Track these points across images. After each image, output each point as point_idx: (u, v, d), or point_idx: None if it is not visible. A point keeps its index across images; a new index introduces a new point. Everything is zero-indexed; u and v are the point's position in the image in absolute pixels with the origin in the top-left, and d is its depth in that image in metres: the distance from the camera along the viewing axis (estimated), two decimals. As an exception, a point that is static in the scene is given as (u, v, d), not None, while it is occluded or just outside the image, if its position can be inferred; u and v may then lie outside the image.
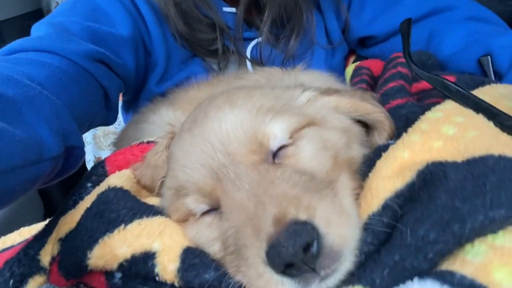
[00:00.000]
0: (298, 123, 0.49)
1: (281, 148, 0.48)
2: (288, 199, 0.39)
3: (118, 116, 0.93)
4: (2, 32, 1.38)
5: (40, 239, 0.57)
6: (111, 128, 1.48)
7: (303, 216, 0.38)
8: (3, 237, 0.70)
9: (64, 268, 0.51)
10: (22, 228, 0.72)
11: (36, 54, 0.69)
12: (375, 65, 0.88)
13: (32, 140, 0.49)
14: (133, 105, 1.06)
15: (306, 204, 0.39)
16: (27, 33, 0.78)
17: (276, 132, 0.47)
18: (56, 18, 0.82)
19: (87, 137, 1.50)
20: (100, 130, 1.49)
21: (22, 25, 1.40)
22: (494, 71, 0.75)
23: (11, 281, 0.54)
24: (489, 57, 0.76)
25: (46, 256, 0.54)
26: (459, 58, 0.83)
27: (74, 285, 0.54)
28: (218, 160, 0.46)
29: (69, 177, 0.66)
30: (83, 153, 0.67)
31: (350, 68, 0.96)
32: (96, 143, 1.49)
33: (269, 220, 0.38)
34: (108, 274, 0.49)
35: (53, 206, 1.48)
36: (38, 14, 1.54)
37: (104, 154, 1.44)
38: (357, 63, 0.94)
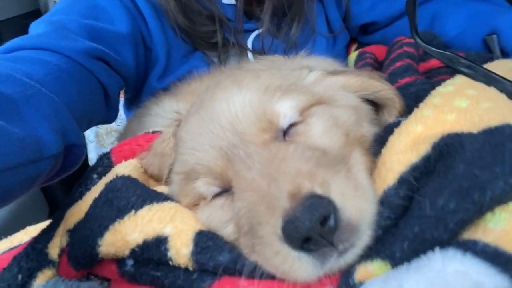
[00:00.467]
0: (307, 102, 0.48)
1: (291, 126, 0.47)
2: (302, 174, 0.39)
3: (119, 114, 0.93)
4: (0, 32, 1.38)
5: (47, 233, 0.56)
6: (113, 125, 1.47)
7: (318, 190, 0.37)
8: (9, 237, 0.69)
9: (74, 259, 0.50)
10: (28, 227, 0.71)
11: (34, 52, 0.68)
12: (378, 50, 0.87)
13: (31, 138, 0.49)
14: (135, 102, 1.06)
15: (321, 179, 0.38)
16: (25, 33, 0.77)
17: (286, 110, 0.46)
18: (54, 16, 0.81)
19: (90, 135, 1.49)
20: (102, 128, 1.48)
21: (20, 25, 1.40)
22: (500, 50, 0.74)
23: (20, 276, 0.53)
24: (494, 36, 0.75)
25: (54, 248, 0.54)
26: (464, 39, 0.82)
27: (84, 276, 0.53)
28: (228, 140, 0.45)
29: (73, 177, 0.65)
30: (83, 151, 0.66)
31: (353, 55, 0.95)
32: (99, 141, 1.48)
33: (284, 196, 0.37)
34: (119, 262, 0.48)
35: (57, 206, 1.47)
36: (36, 14, 1.53)
37: (107, 152, 1.43)
38: (360, 49, 0.94)
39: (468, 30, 0.82)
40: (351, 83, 0.53)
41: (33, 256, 0.54)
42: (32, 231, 0.68)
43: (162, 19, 0.94)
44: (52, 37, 0.72)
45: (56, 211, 0.59)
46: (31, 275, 0.54)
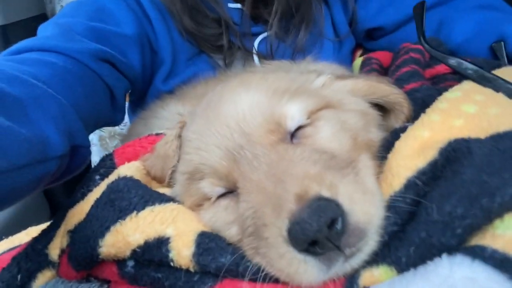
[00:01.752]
0: (315, 105, 0.47)
1: (298, 129, 0.46)
2: (309, 177, 0.38)
3: (124, 116, 0.93)
4: (8, 35, 1.39)
5: (47, 233, 0.56)
6: (117, 129, 1.47)
7: (326, 193, 0.36)
8: (10, 237, 0.69)
9: (75, 259, 0.50)
10: (29, 228, 0.71)
11: (41, 54, 0.69)
12: (384, 56, 0.87)
13: (38, 139, 0.49)
14: (139, 105, 1.06)
15: (329, 182, 0.37)
16: (32, 36, 0.77)
17: (294, 112, 0.46)
18: (61, 19, 0.82)
19: (93, 138, 1.49)
20: (106, 131, 1.48)
21: (27, 28, 1.41)
22: (507, 57, 0.74)
23: (19, 277, 0.53)
24: (502, 43, 0.74)
25: (54, 249, 0.53)
26: (471, 45, 0.81)
27: (84, 278, 0.53)
28: (234, 141, 0.45)
29: (75, 179, 0.65)
30: (89, 153, 0.66)
31: (358, 61, 0.95)
32: (102, 145, 1.48)
33: (290, 197, 0.36)
34: (120, 263, 0.48)
35: (58, 207, 1.46)
36: (43, 18, 1.54)
37: (111, 155, 1.43)
38: (366, 55, 0.93)
39: (476, 36, 0.81)
40: (360, 87, 0.52)
41: (33, 257, 0.54)
42: (34, 231, 0.68)
43: (168, 21, 0.94)
44: (59, 39, 0.73)
45: (57, 212, 0.58)
46: (30, 276, 0.53)
